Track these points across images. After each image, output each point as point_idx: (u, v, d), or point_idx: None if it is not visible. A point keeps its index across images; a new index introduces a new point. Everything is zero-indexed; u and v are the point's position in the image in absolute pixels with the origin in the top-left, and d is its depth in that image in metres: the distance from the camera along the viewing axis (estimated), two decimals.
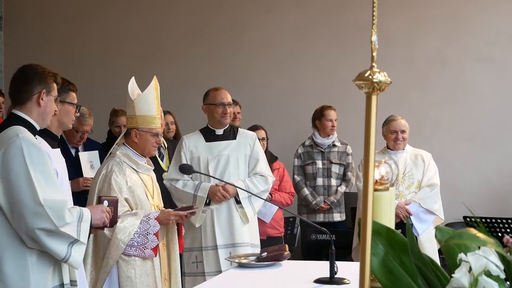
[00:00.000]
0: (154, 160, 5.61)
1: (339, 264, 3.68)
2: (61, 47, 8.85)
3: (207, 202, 5.50)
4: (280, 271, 3.97)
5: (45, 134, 4.17)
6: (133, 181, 4.48)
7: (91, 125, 6.24)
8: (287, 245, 4.45)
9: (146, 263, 4.44)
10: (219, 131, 5.71)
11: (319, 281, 3.63)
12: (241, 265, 4.21)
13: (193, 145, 5.64)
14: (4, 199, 3.33)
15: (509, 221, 6.68)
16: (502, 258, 1.59)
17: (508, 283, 1.59)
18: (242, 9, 8.59)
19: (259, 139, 6.30)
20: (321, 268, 3.77)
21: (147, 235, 4.41)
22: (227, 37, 8.60)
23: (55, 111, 3.66)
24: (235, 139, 5.70)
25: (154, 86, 4.60)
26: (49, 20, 8.95)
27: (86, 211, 3.52)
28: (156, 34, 8.73)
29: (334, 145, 7.34)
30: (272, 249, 4.31)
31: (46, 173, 3.38)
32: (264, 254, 4.26)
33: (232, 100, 7.11)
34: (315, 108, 7.50)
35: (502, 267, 1.57)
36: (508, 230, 6.55)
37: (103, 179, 4.46)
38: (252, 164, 5.67)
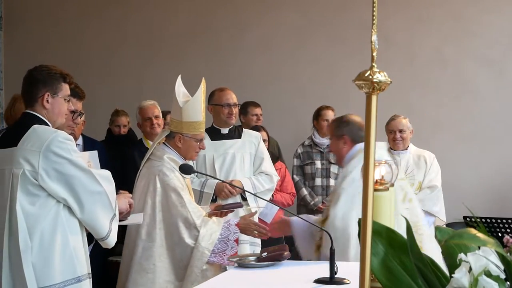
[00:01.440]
0: None
1: (339, 264, 3.68)
2: (61, 47, 8.84)
3: (213, 198, 5.54)
4: (280, 271, 3.96)
5: None
6: (183, 186, 4.49)
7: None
8: (287, 245, 4.44)
9: (217, 273, 4.43)
10: (224, 130, 5.75)
11: (319, 281, 3.63)
12: (241, 265, 4.20)
13: None
14: (64, 190, 3.48)
15: (509, 221, 6.67)
16: (502, 258, 1.59)
17: (508, 283, 1.59)
18: (242, 9, 8.58)
19: None
20: (321, 268, 3.76)
21: (228, 241, 4.37)
22: (227, 37, 8.60)
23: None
24: (240, 138, 5.76)
25: (202, 89, 4.54)
26: (49, 20, 8.95)
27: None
28: (157, 35, 8.73)
29: None
30: (272, 249, 4.31)
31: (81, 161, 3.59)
32: (264, 254, 4.25)
33: (254, 102, 7.12)
34: (314, 108, 7.51)
35: (502, 267, 1.57)
36: (508, 230, 6.54)
37: (163, 187, 4.40)
38: (257, 163, 5.74)
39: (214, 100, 5.75)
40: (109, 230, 3.58)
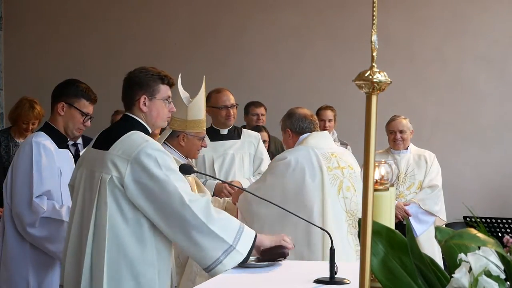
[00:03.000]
0: None
1: (339, 264, 3.68)
2: (61, 47, 8.84)
3: None
4: (280, 271, 3.96)
5: (54, 134, 4.19)
6: None
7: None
8: None
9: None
10: (224, 131, 5.74)
11: (319, 281, 3.63)
12: (241, 265, 4.20)
13: None
14: (146, 204, 3.30)
15: (509, 221, 6.67)
16: (502, 258, 1.59)
17: (508, 283, 1.59)
18: (242, 9, 8.58)
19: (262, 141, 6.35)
20: (321, 268, 3.76)
21: None
22: (227, 37, 8.60)
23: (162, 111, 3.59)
24: (240, 138, 5.74)
25: (204, 88, 4.56)
26: (49, 20, 8.94)
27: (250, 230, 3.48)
28: (157, 35, 8.73)
29: None
30: (272, 249, 4.30)
31: (178, 174, 3.37)
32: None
33: (257, 101, 7.05)
34: (315, 108, 7.50)
35: (502, 267, 1.57)
36: (508, 230, 6.54)
37: None
38: (257, 163, 5.73)
39: (211, 102, 5.72)
40: (217, 261, 3.34)
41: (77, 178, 3.53)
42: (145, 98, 3.51)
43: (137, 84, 3.55)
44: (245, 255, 3.44)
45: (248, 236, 3.45)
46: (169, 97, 3.59)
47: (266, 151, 6.00)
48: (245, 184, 5.58)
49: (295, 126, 4.66)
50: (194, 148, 4.54)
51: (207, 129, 5.79)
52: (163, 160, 3.32)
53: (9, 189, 4.15)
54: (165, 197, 3.28)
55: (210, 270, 3.37)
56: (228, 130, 5.76)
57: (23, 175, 4.09)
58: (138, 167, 3.29)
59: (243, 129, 5.99)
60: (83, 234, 3.38)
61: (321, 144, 4.67)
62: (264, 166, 5.76)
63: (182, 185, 3.33)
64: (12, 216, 4.12)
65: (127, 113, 3.55)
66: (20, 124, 6.22)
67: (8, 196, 4.15)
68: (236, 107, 5.83)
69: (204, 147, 4.64)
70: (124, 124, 3.52)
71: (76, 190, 3.52)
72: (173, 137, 4.53)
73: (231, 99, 5.71)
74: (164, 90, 3.57)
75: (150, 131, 3.56)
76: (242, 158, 5.70)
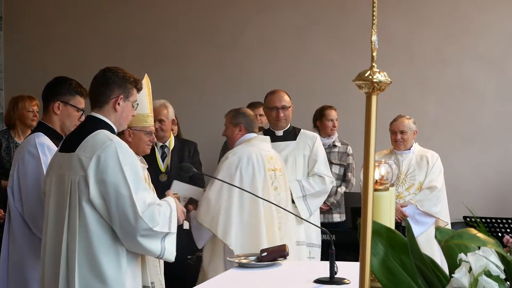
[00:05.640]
0: (152, 159, 5.62)
1: (339, 264, 3.68)
2: (61, 47, 8.84)
3: None
4: (280, 271, 3.97)
5: (51, 134, 4.19)
6: None
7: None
8: (287, 245, 4.45)
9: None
10: (279, 132, 5.90)
11: (319, 281, 3.63)
12: (241, 265, 4.20)
13: None
14: (100, 202, 3.34)
15: (509, 221, 6.67)
16: (502, 258, 1.59)
17: (508, 283, 1.59)
18: (242, 9, 8.58)
19: None
20: (321, 268, 3.76)
21: None
22: (227, 37, 8.59)
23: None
24: (295, 139, 5.81)
25: (145, 83, 4.52)
26: (49, 20, 8.94)
27: (171, 201, 3.59)
28: (156, 34, 8.73)
29: (334, 145, 7.31)
30: (272, 249, 4.31)
31: (138, 175, 3.40)
32: (264, 254, 4.25)
33: (257, 102, 7.04)
34: (315, 108, 7.50)
35: (502, 267, 1.57)
36: (508, 230, 6.54)
37: None
38: (311, 164, 5.80)
39: (265, 103, 5.92)
40: (162, 249, 3.43)
41: (48, 185, 3.54)
42: (121, 98, 3.59)
43: (115, 83, 3.63)
44: (175, 232, 3.52)
45: (174, 213, 3.54)
46: (136, 101, 3.69)
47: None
48: (294, 187, 5.60)
49: (249, 125, 5.34)
50: (142, 144, 4.47)
51: (265, 130, 5.91)
52: (125, 159, 3.36)
53: (17, 193, 4.08)
54: (117, 200, 3.31)
55: (161, 258, 3.53)
56: (284, 131, 5.87)
57: (34, 178, 4.04)
58: (99, 165, 3.32)
59: (301, 130, 6.03)
60: (58, 240, 3.40)
61: (264, 146, 5.30)
62: (318, 167, 5.80)
63: (135, 186, 3.34)
64: (22, 219, 4.05)
65: (92, 114, 3.58)
66: (23, 113, 6.31)
67: (17, 200, 4.08)
68: (289, 108, 5.90)
69: (153, 142, 4.61)
70: (89, 125, 3.55)
71: (48, 197, 3.53)
72: (121, 134, 4.52)
73: (282, 100, 5.83)
74: (135, 94, 3.69)
75: (116, 131, 3.60)
76: (295, 159, 5.78)
